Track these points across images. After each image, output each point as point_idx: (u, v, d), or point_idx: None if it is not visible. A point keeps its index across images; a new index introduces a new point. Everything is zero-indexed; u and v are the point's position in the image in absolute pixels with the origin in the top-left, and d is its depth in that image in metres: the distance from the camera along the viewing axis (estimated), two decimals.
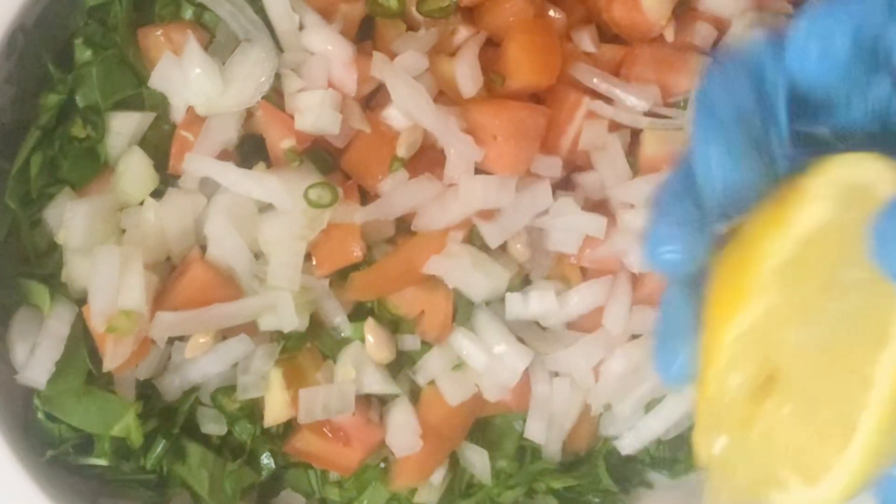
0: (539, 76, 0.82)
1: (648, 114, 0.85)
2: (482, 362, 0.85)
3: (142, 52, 0.82)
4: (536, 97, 0.85)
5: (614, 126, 0.85)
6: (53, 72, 0.82)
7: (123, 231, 0.81)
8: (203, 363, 0.84)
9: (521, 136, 0.81)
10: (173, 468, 0.87)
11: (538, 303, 0.85)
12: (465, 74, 0.81)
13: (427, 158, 0.82)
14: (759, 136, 0.50)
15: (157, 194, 0.81)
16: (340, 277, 0.83)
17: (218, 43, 0.81)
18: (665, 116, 0.85)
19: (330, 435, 0.86)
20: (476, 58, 0.82)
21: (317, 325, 0.85)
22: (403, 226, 0.84)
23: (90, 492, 0.86)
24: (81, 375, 0.83)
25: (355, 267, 0.83)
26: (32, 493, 0.80)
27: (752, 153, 0.50)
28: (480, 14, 0.84)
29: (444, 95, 0.82)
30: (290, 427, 0.88)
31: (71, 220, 0.80)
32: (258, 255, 0.81)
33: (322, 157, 0.82)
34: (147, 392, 0.86)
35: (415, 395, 0.88)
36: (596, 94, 0.85)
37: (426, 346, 0.86)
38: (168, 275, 0.83)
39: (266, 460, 0.90)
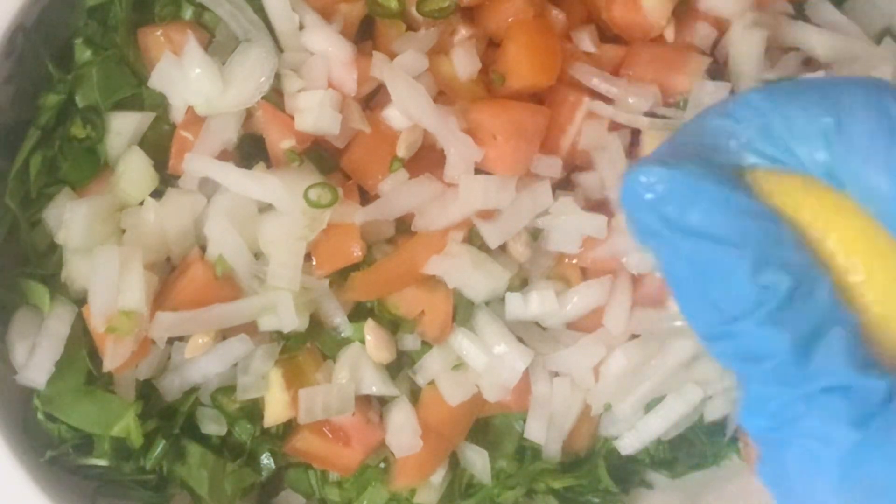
0: (539, 76, 0.82)
1: (648, 114, 0.85)
2: (482, 362, 0.85)
3: (142, 52, 0.82)
4: (536, 97, 0.85)
5: (614, 126, 0.85)
6: (53, 72, 0.82)
7: (123, 231, 0.81)
8: (203, 363, 0.84)
9: (521, 136, 0.81)
10: (173, 468, 0.87)
11: (538, 303, 0.85)
12: (462, 57, 0.81)
13: (427, 158, 0.82)
14: None
15: (157, 194, 0.81)
16: (340, 277, 0.83)
17: (218, 43, 0.82)
18: (665, 116, 0.85)
19: (330, 435, 0.86)
20: (473, 46, 0.82)
21: (317, 325, 0.85)
22: (403, 226, 0.84)
23: (90, 492, 0.86)
24: (81, 375, 0.83)
25: (355, 267, 0.83)
26: (32, 493, 0.80)
27: None
28: (480, 14, 0.84)
29: (444, 95, 0.82)
30: (290, 427, 0.88)
31: (71, 220, 0.80)
32: (258, 255, 0.81)
33: (322, 157, 0.82)
34: (147, 392, 0.86)
35: (415, 395, 0.88)
36: (596, 94, 0.85)
37: (426, 346, 0.86)
38: (168, 275, 0.83)
39: (266, 460, 0.90)
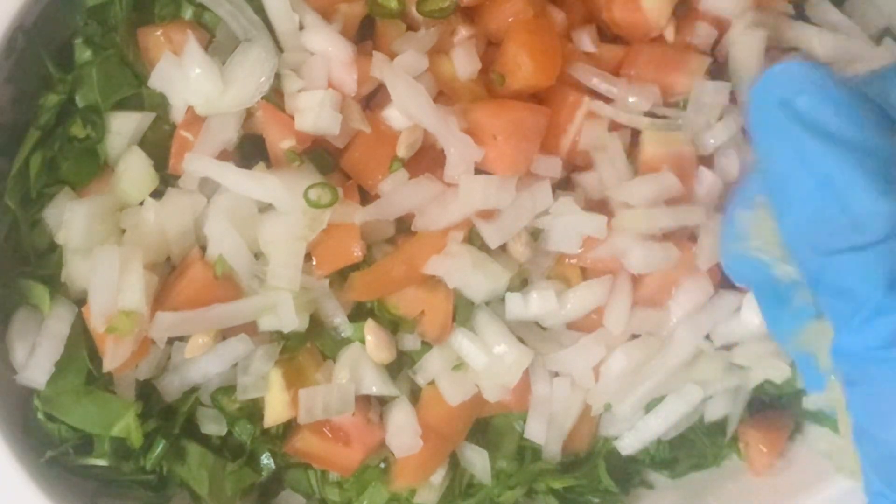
0: (539, 76, 0.82)
1: (648, 114, 0.85)
2: (482, 362, 0.85)
3: (142, 52, 0.82)
4: (536, 97, 0.85)
5: (614, 126, 0.85)
6: (53, 72, 0.82)
7: (123, 231, 0.81)
8: (203, 363, 0.84)
9: (521, 136, 0.81)
10: (173, 468, 0.87)
11: (538, 303, 0.85)
12: (462, 57, 0.81)
13: (427, 158, 0.82)
14: None
15: (157, 194, 0.81)
16: (340, 277, 0.83)
17: (218, 43, 0.81)
18: (665, 116, 0.85)
19: (330, 435, 0.86)
20: (473, 46, 0.82)
21: (317, 325, 0.85)
22: (403, 226, 0.84)
23: (90, 492, 0.86)
24: (81, 376, 0.83)
25: (355, 267, 0.83)
26: (32, 493, 0.80)
27: None
28: (480, 14, 0.84)
29: (444, 95, 0.82)
30: (290, 427, 0.88)
31: (71, 220, 0.80)
32: (258, 255, 0.81)
33: (322, 157, 0.82)
34: (147, 392, 0.86)
35: (415, 395, 0.88)
36: (596, 94, 0.85)
37: (426, 346, 0.86)
38: (168, 275, 0.83)
39: (266, 460, 0.90)
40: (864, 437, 0.61)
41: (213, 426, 0.87)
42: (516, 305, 0.86)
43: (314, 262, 0.82)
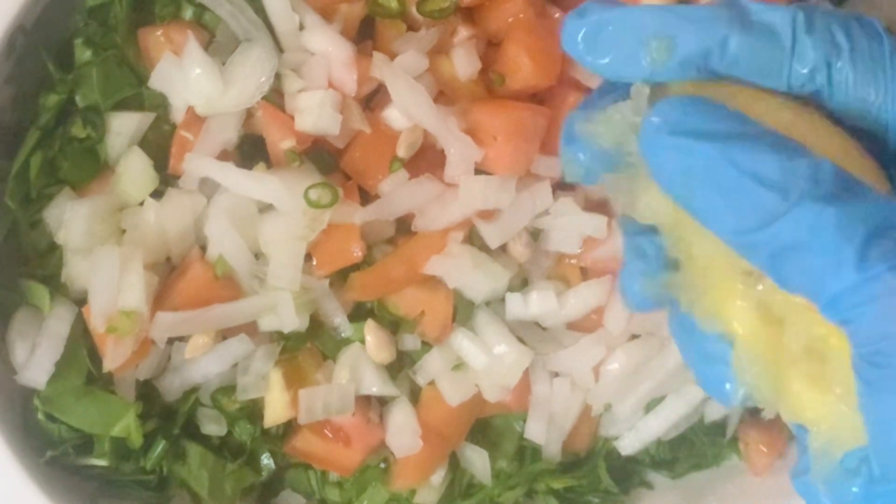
0: (539, 76, 0.82)
1: None
2: (482, 362, 0.85)
3: (142, 52, 0.82)
4: (536, 97, 0.85)
5: None
6: (53, 72, 0.82)
7: (123, 231, 0.81)
8: (203, 363, 0.84)
9: (521, 137, 0.81)
10: (173, 469, 0.87)
11: (538, 303, 0.85)
12: (462, 57, 0.81)
13: (427, 158, 0.82)
14: None
15: (157, 194, 0.81)
16: (340, 278, 0.83)
17: (218, 43, 0.81)
18: None
19: (330, 435, 0.86)
20: (473, 46, 0.82)
21: (317, 325, 0.85)
22: (403, 226, 0.84)
23: (90, 492, 0.86)
24: (81, 376, 0.83)
25: (355, 267, 0.83)
26: (32, 494, 0.80)
27: None
28: (480, 14, 0.84)
29: (444, 95, 0.82)
30: (290, 427, 0.88)
31: (71, 220, 0.80)
32: (258, 255, 0.81)
33: (322, 157, 0.82)
34: (147, 392, 0.86)
35: (415, 395, 0.88)
36: None
37: (426, 346, 0.86)
38: (168, 275, 0.83)
39: (266, 460, 0.90)
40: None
41: (213, 426, 0.87)
42: (516, 305, 0.86)
43: (314, 262, 0.82)
